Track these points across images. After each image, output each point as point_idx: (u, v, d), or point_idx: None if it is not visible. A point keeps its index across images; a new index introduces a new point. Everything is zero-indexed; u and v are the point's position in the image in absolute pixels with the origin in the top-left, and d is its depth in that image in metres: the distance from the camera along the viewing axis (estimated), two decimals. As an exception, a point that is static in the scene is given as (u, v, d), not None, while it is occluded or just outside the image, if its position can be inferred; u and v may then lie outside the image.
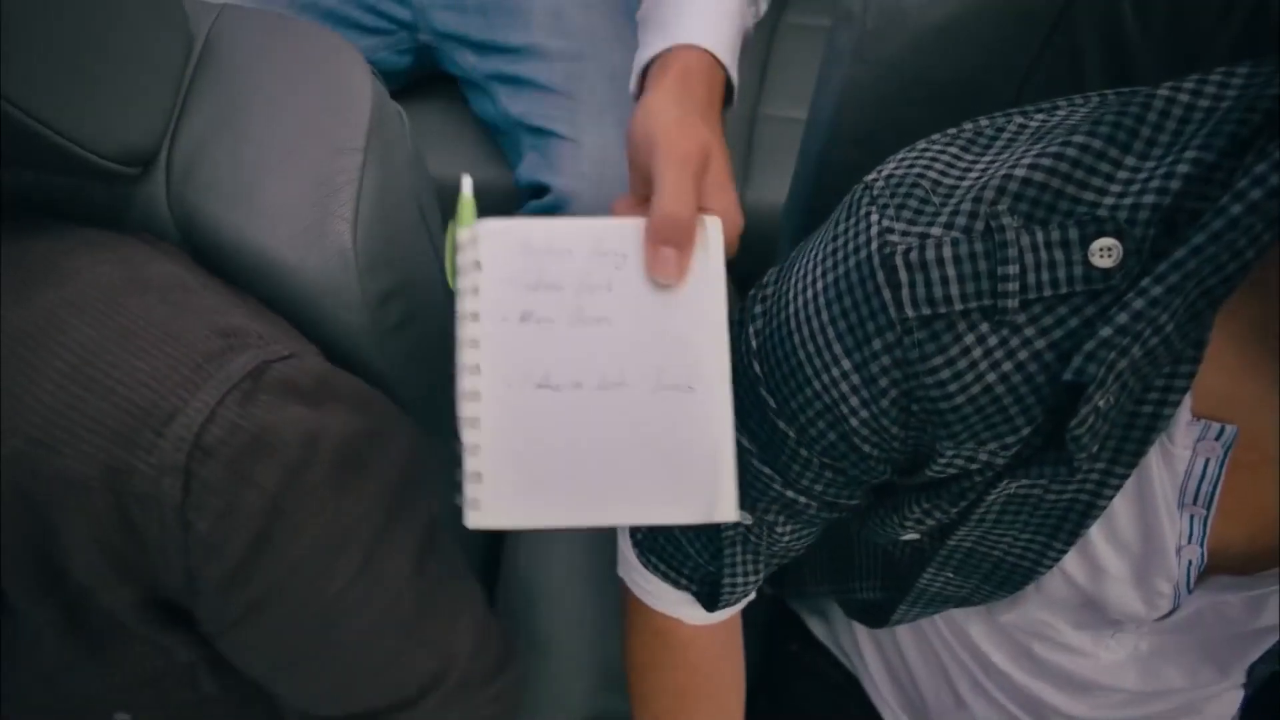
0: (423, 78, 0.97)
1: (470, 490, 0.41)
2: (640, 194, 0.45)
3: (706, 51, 0.51)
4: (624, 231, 0.42)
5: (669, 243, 0.41)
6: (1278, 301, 0.35)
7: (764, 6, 0.59)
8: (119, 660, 0.43)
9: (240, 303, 0.43)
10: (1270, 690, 0.62)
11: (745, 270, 1.11)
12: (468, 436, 0.41)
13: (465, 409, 0.41)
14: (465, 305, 0.42)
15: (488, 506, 0.41)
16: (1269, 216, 0.32)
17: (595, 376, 0.41)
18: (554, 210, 0.79)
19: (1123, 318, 0.34)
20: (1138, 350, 0.34)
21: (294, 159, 0.48)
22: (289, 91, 0.49)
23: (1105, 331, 0.34)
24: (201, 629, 0.43)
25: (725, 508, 0.41)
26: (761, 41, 1.13)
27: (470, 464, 0.41)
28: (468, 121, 0.97)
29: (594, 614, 0.71)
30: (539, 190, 0.80)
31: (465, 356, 0.42)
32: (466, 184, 0.43)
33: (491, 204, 0.96)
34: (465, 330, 0.42)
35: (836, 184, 0.54)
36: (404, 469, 0.45)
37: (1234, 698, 0.55)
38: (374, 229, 0.49)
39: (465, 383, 0.42)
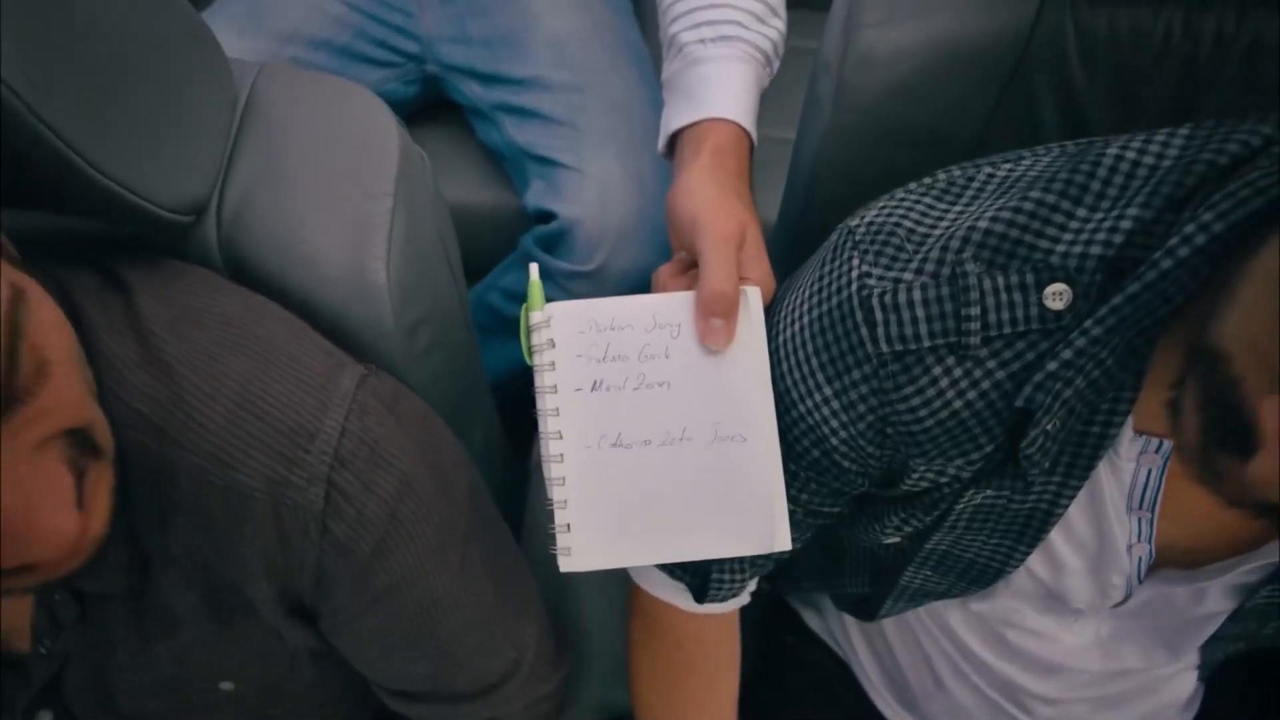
0: (429, 104, 1.03)
1: (561, 540, 0.47)
2: (681, 260, 0.51)
3: (735, 124, 0.56)
4: (676, 305, 0.47)
5: (717, 314, 0.46)
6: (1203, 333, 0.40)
7: (777, 66, 0.64)
8: (240, 639, 0.49)
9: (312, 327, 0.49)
10: (1229, 676, 0.67)
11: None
12: (555, 494, 0.47)
13: (552, 470, 0.47)
14: (544, 379, 0.47)
15: (578, 552, 0.47)
16: (1194, 271, 0.37)
17: (661, 434, 0.47)
18: (561, 235, 0.84)
19: (1067, 354, 0.39)
20: (1081, 381, 0.39)
21: (331, 205, 0.53)
22: (324, 143, 0.54)
23: (1052, 366, 0.39)
24: (321, 624, 0.49)
25: (781, 539, 0.47)
26: (751, 64, 1.18)
27: (559, 517, 0.47)
28: (473, 147, 1.02)
29: (603, 610, 0.76)
30: (546, 216, 0.86)
31: (548, 425, 0.47)
32: (534, 271, 0.48)
33: (499, 226, 1.01)
34: (545, 402, 0.47)
35: (821, 215, 0.59)
36: (468, 475, 0.51)
37: (1188, 679, 0.60)
38: (404, 266, 0.54)
39: (550, 447, 0.47)
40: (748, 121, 0.57)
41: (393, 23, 0.96)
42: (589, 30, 0.93)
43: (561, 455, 0.47)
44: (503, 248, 1.01)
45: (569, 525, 0.47)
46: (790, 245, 0.67)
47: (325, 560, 0.44)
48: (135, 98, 0.46)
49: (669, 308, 0.47)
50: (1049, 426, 0.40)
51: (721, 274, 0.46)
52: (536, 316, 0.47)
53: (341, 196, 0.53)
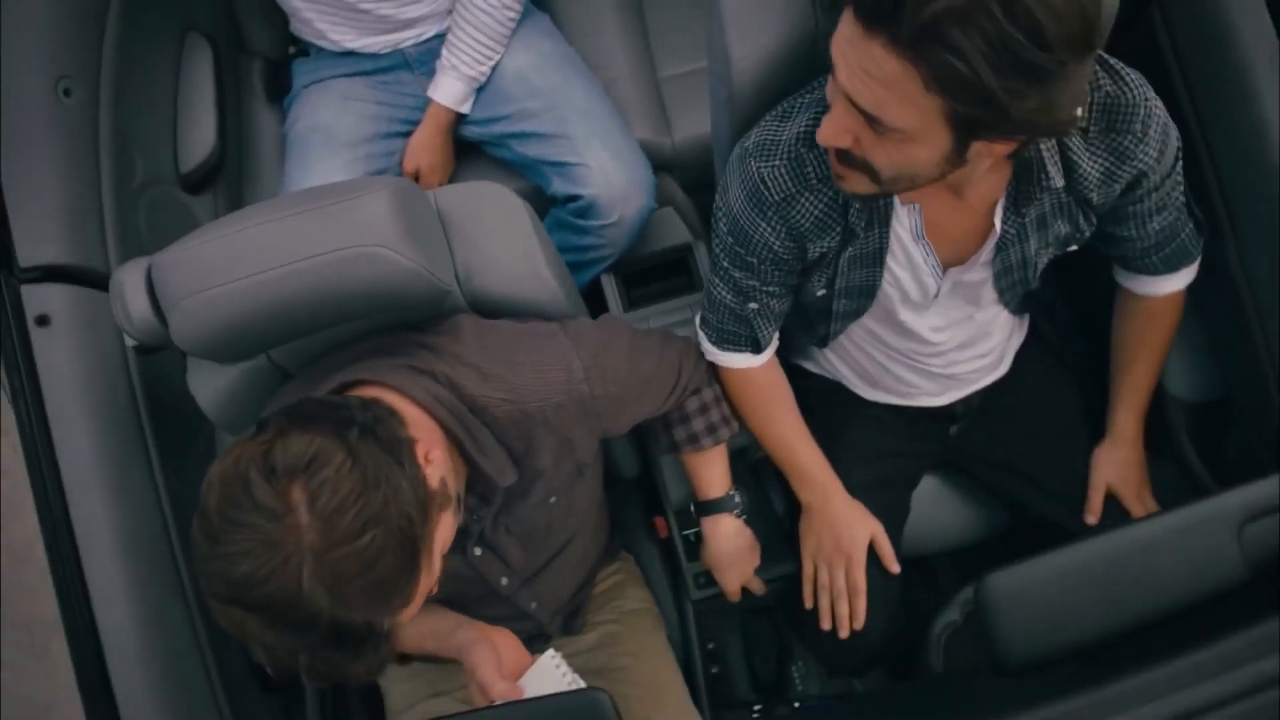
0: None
1: None
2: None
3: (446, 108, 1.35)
4: None
5: None
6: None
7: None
8: (563, 471, 1.00)
9: None
10: (1045, 310, 1.23)
11: (690, 181, 1.67)
12: None
13: None
14: None
15: None
16: None
17: None
18: (585, 211, 1.33)
19: None
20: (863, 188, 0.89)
21: (508, 252, 1.01)
22: (488, 219, 1.02)
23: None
24: (607, 434, 1.03)
25: None
26: (636, 22, 1.60)
27: None
28: (485, 162, 1.47)
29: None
30: (572, 197, 1.33)
31: None
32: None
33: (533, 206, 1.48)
34: None
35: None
36: (608, 319, 1.04)
37: (1003, 318, 1.14)
38: (552, 267, 1.03)
39: None
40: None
41: (408, 104, 1.39)
42: (537, 61, 1.37)
43: None
44: (532, 220, 1.48)
45: None
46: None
47: (599, 405, 0.96)
48: (434, 240, 0.93)
49: None
50: (857, 205, 0.93)
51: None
52: None
53: (511, 245, 1.02)
